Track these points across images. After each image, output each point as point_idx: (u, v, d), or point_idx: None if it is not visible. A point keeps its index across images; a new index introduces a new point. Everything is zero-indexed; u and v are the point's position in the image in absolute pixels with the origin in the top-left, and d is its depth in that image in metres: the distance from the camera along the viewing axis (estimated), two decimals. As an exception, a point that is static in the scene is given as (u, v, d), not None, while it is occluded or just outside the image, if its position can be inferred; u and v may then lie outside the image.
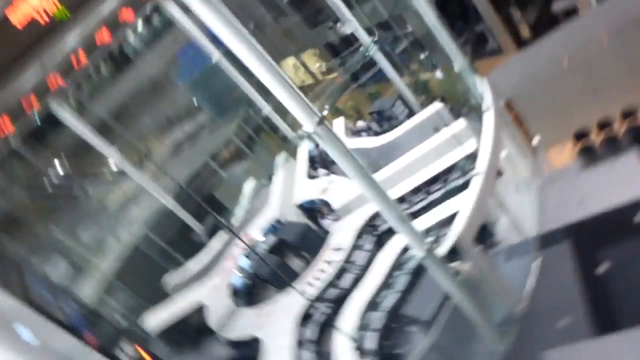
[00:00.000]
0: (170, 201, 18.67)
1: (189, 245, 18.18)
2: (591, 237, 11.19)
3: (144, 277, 18.59)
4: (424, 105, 15.66)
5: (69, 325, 8.42)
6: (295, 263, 14.13)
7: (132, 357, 11.10)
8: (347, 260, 12.18)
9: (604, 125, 12.78)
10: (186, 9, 16.67)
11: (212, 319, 13.32)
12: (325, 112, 7.66)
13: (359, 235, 12.59)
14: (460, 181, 11.72)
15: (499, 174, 12.31)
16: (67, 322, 8.50)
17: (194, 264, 16.50)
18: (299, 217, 15.00)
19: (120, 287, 18.36)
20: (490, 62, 18.73)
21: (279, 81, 7.18)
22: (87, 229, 24.53)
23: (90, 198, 25.19)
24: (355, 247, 12.43)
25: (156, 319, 15.40)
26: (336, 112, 18.51)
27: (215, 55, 17.31)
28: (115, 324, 13.79)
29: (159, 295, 16.76)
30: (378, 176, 12.82)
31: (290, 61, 27.85)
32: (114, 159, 17.95)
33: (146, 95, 31.22)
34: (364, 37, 15.33)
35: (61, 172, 26.19)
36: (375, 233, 12.68)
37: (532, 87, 13.38)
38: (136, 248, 19.71)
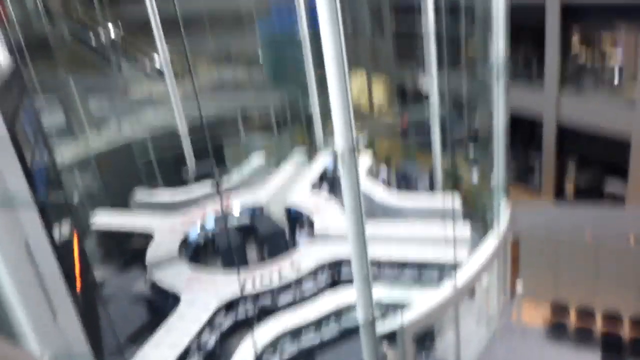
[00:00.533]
0: (183, 125, 18.78)
1: (173, 176, 18.25)
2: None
3: (119, 176, 18.58)
4: (444, 194, 15.77)
5: (30, 172, 8.40)
6: (251, 253, 14.17)
7: (64, 237, 11.10)
8: (297, 281, 12.19)
9: (585, 314, 12.81)
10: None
11: (151, 254, 13.30)
12: (362, 141, 7.69)
13: (321, 267, 12.59)
14: (435, 277, 11.78)
15: (472, 294, 12.35)
16: (30, 168, 8.47)
17: (168, 194, 16.54)
18: (279, 216, 15.05)
19: (94, 171, 18.37)
20: (524, 192, 18.88)
21: (342, 88, 7.22)
22: (99, 100, 24.65)
23: (120, 75, 25.31)
24: (311, 275, 12.42)
25: (107, 218, 15.43)
26: (369, 146, 18.58)
27: (304, 32, 17.49)
28: (68, 200, 13.79)
29: (121, 201, 16.82)
30: (369, 226, 12.88)
31: (361, 83, 27.96)
32: (161, 55, 18.00)
33: (224, 21, 31.39)
34: (434, 100, 15.49)
35: (112, 36, 26.32)
36: (336, 277, 12.67)
37: (546, 242, 13.44)
38: (128, 146, 19.74)
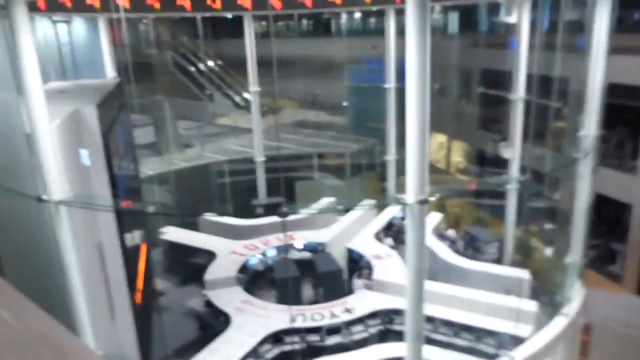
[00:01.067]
0: (260, 155, 19.43)
1: (244, 202, 18.79)
2: None
3: (193, 194, 19.43)
4: (513, 265, 15.09)
5: (114, 179, 9.04)
6: (307, 289, 14.15)
7: (134, 244, 11.68)
8: (348, 324, 11.98)
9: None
10: (401, 32, 17.41)
11: (211, 273, 13.64)
12: (433, 197, 7.60)
13: (374, 315, 12.34)
14: (490, 351, 11.16)
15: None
16: (115, 175, 9.12)
17: (236, 220, 17.00)
18: (340, 258, 15.00)
19: (171, 187, 19.33)
20: (601, 278, 17.67)
21: (420, 142, 7.25)
22: (188, 123, 26.19)
23: (211, 104, 26.85)
24: (362, 321, 12.19)
25: (175, 233, 16.07)
26: (439, 207, 18.26)
27: (391, 84, 17.79)
28: (144, 210, 14.55)
29: (191, 218, 17.48)
30: (429, 284, 12.52)
31: (441, 138, 27.87)
32: (252, 90, 18.89)
33: (316, 66, 32.72)
34: (514, 170, 15.09)
35: (210, 67, 28.15)
36: (387, 326, 12.36)
37: (622, 335, 12.42)
38: (205, 166, 20.68)
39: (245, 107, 25.90)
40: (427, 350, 10.13)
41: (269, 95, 27.33)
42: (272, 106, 27.64)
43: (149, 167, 19.84)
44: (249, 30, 18.25)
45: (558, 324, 11.03)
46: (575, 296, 11.93)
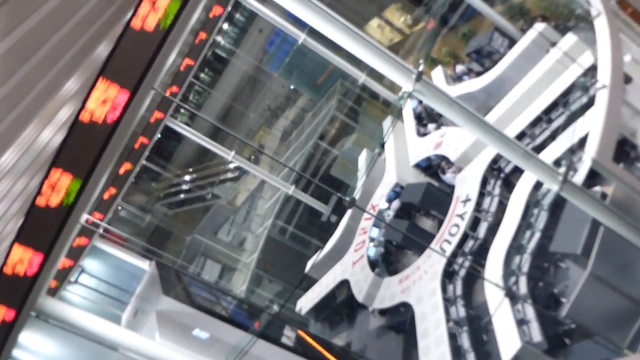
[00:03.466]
0: (291, 188, 19.45)
1: (320, 227, 18.88)
2: None
3: (285, 264, 19.72)
4: (524, 30, 14.54)
5: (234, 320, 9.31)
6: (425, 223, 14.06)
7: (292, 339, 11.95)
8: (478, 210, 11.85)
9: None
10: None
11: (358, 293, 13.74)
12: (421, 67, 7.41)
13: (485, 182, 12.15)
14: (584, 99, 10.76)
15: (628, 80, 11.10)
16: (231, 317, 9.40)
17: (329, 244, 17.07)
18: (419, 178, 14.86)
19: (267, 277, 19.67)
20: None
21: (366, 47, 7.08)
22: (225, 229, 26.57)
23: (221, 200, 27.24)
24: (484, 194, 12.03)
25: (307, 302, 16.28)
26: (433, 63, 17.84)
27: (301, 36, 17.50)
28: (271, 311, 14.85)
29: (299, 275, 17.70)
30: (490, 117, 12.25)
31: (375, 23, 27.30)
32: (229, 158, 18.93)
33: (247, 92, 32.85)
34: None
35: (185, 178, 28.69)
36: (501, 175, 12.15)
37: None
38: (270, 239, 20.88)
39: (242, 172, 26.17)
40: (544, 155, 9.94)
41: (244, 147, 27.55)
42: (254, 150, 27.81)
43: (238, 283, 20.26)
44: (184, 128, 18.41)
45: (601, 26, 10.55)
46: (588, -6, 11.40)
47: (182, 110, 29.12)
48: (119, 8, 7.20)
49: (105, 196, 16.94)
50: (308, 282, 16.88)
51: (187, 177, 29.20)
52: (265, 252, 20.38)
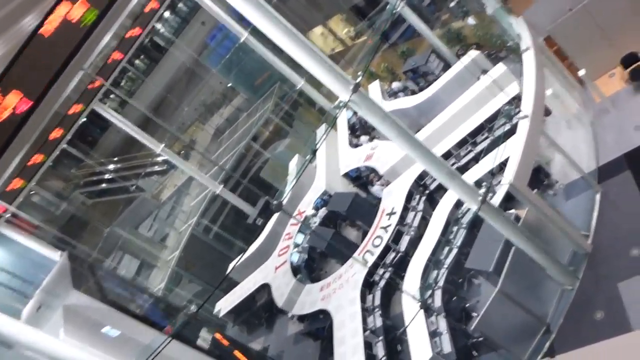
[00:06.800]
0: (219, 187, 19.10)
1: (245, 229, 18.64)
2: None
3: (207, 264, 19.29)
4: (459, 55, 15.20)
5: (148, 318, 8.95)
6: (350, 232, 14.27)
7: (208, 341, 11.67)
8: (402, 223, 12.18)
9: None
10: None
11: (279, 298, 13.69)
12: (359, 79, 7.54)
13: (410, 197, 12.54)
14: (507, 127, 11.39)
15: (548, 113, 11.86)
16: (145, 315, 9.02)
17: (253, 247, 16.90)
18: (347, 187, 15.06)
19: (187, 276, 19.14)
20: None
21: (308, 53, 7.12)
22: (147, 224, 25.62)
23: (145, 193, 26.24)
24: (408, 208, 12.40)
25: (226, 303, 15.99)
26: (371, 76, 18.22)
27: (243, 35, 17.28)
28: (189, 312, 14.44)
29: (219, 278, 17.36)
30: (420, 135, 12.67)
31: (318, 30, 27.51)
32: (158, 150, 18.29)
33: (182, 85, 31.92)
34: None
35: (109, 167, 27.38)
36: (426, 192, 12.58)
37: (571, 18, 12.65)
38: (192, 237, 20.35)
39: (170, 166, 25.37)
40: (467, 176, 10.38)
41: (176, 141, 26.75)
42: (185, 145, 27.08)
43: (156, 281, 19.60)
44: (112, 114, 17.53)
45: (528, 60, 11.23)
46: (519, 29, 12.08)
47: (113, 96, 27.87)
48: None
49: (13, 186, 15.67)
50: (229, 284, 16.62)
51: (111, 166, 27.84)
52: (187, 251, 19.81)
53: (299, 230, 15.04)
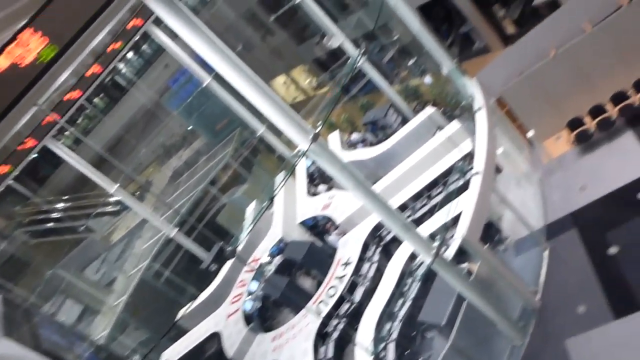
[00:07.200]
0: (174, 231, 18.59)
1: (198, 275, 18.12)
2: (598, 221, 11.19)
3: (156, 310, 18.52)
4: (416, 111, 15.73)
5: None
6: (305, 282, 14.08)
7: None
8: (357, 274, 12.14)
9: (596, 111, 12.82)
10: (175, 35, 16.81)
11: (229, 347, 13.23)
12: (318, 129, 7.67)
13: (366, 248, 12.57)
14: (460, 182, 11.72)
15: (498, 170, 12.32)
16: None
17: (205, 294, 16.42)
18: (303, 236, 14.98)
19: (134, 323, 18.28)
20: (479, 61, 18.83)
21: (269, 101, 7.21)
22: (95, 266, 24.55)
23: (95, 234, 25.26)
24: (363, 259, 12.41)
25: (173, 353, 15.30)
26: (330, 127, 18.56)
27: (206, 79, 17.36)
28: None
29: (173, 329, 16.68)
30: (377, 186, 12.86)
31: (281, 79, 28.05)
32: (114, 193, 17.72)
33: (141, 125, 31.49)
34: (350, 49, 15.45)
35: (58, 206, 26.26)
36: (382, 243, 12.65)
37: (521, 82, 13.43)
38: (142, 281, 19.58)
39: (123, 208, 24.64)
40: (421, 229, 10.54)
41: (131, 181, 26.14)
42: (141, 186, 26.50)
43: (101, 326, 18.62)
44: (65, 152, 16.98)
45: (481, 119, 11.74)
46: (473, 89, 12.69)
47: (68, 133, 27.15)
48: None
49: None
50: (177, 332, 15.95)
51: (59, 205, 26.78)
52: (135, 296, 18.96)
53: (254, 278, 14.74)
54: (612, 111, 12.64)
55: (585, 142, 12.92)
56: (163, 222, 18.90)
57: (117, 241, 24.45)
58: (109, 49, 15.71)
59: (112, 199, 24.58)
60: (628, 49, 12.49)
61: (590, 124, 12.86)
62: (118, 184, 17.60)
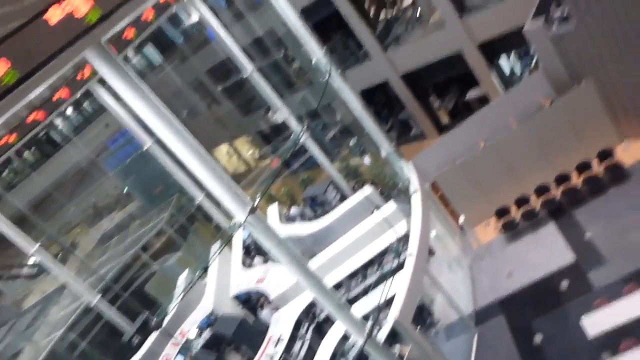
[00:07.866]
0: (96, 297, 17.44)
1: (119, 348, 16.90)
2: (524, 308, 11.59)
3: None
4: (355, 189, 16.11)
5: None
6: (234, 358, 13.44)
7: None
8: (288, 352, 11.75)
9: (521, 201, 13.66)
10: (118, 95, 16.64)
11: None
12: (256, 202, 7.65)
13: (298, 325, 12.27)
14: (395, 263, 11.90)
15: (431, 253, 12.65)
16: None
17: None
18: (236, 309, 14.48)
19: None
20: (415, 147, 19.86)
21: (209, 170, 7.16)
22: (0, 334, 22.41)
23: (4, 299, 23.26)
24: (295, 337, 12.07)
25: None
26: (270, 199, 18.60)
27: (147, 143, 17.09)
28: None
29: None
30: (313, 263, 12.81)
31: (224, 148, 28.16)
32: (33, 254, 16.51)
33: (72, 184, 30.17)
34: (294, 124, 15.85)
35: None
36: (315, 321, 12.41)
37: (454, 169, 14.18)
38: (55, 354, 17.98)
39: (41, 271, 23.02)
40: (355, 308, 10.48)
41: (54, 242, 24.65)
42: (64, 247, 25.04)
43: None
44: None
45: (416, 202, 12.17)
46: (409, 173, 13.24)
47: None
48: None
49: None
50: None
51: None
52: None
53: (179, 352, 13.91)
54: (536, 203, 13.50)
55: (511, 230, 13.62)
56: (85, 288, 17.75)
57: (30, 307, 22.57)
58: (54, 97, 15.28)
59: (30, 261, 22.95)
60: (549, 146, 13.60)
61: (515, 213, 13.63)
62: (39, 244, 16.53)
